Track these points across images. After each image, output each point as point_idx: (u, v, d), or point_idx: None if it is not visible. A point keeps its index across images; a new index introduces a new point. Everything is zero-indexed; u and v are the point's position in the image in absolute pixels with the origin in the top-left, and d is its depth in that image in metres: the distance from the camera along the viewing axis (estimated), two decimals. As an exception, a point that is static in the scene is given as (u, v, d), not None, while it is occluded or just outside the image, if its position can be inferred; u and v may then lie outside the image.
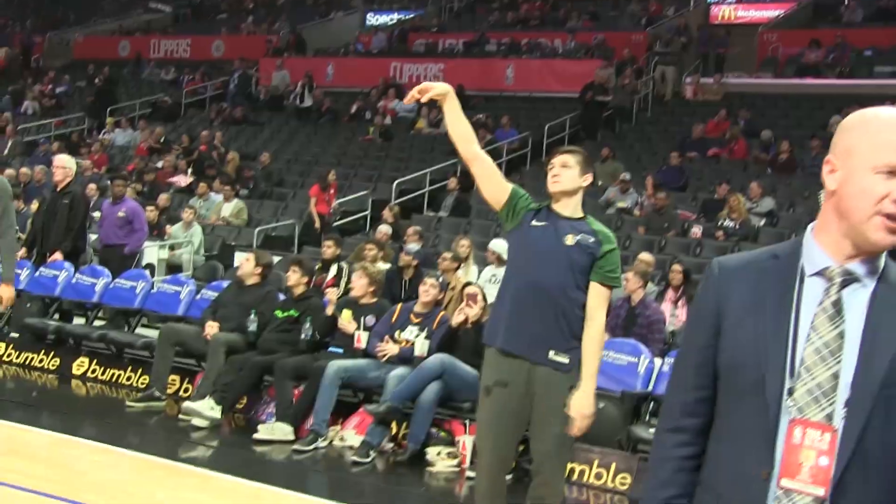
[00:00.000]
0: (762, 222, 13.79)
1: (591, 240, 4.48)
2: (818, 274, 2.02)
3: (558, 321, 4.41)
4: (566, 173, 4.53)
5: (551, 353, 4.39)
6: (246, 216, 15.55)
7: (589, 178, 4.60)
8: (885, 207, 1.94)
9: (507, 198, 4.59)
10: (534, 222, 4.54)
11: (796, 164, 16.07)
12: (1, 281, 6.21)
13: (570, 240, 4.45)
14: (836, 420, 1.94)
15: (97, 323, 10.30)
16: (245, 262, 8.82)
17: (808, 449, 1.94)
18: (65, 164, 10.00)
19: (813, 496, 1.93)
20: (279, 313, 8.49)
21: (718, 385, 2.10)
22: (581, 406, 4.40)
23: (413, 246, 10.53)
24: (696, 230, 13.61)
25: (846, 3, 23.93)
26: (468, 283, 8.16)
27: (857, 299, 1.99)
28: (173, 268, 13.25)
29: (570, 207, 4.56)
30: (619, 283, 4.68)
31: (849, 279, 2.00)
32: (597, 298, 4.49)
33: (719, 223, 13.47)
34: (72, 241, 10.08)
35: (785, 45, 22.16)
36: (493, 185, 4.64)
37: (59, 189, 10.01)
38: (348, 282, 10.19)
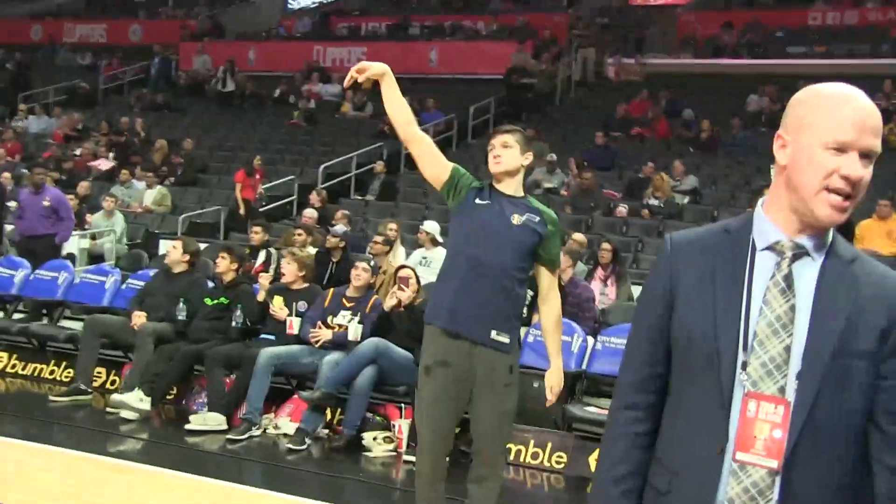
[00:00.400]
0: (686, 200, 13.97)
1: (537, 219, 4.49)
2: (769, 248, 2.03)
3: (502, 301, 4.43)
4: (507, 153, 4.53)
5: (493, 333, 4.40)
6: (170, 203, 15.29)
7: (530, 157, 4.60)
8: (833, 183, 1.95)
9: (447, 176, 4.58)
10: (478, 201, 4.53)
11: (718, 143, 16.30)
12: None
13: (516, 219, 4.45)
14: (788, 393, 1.95)
15: (17, 316, 10.02)
16: (172, 250, 8.65)
17: (762, 422, 1.95)
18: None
19: (767, 468, 1.94)
20: (209, 301, 8.36)
21: (672, 361, 2.09)
22: (554, 382, 4.59)
23: (340, 227, 10.42)
24: (622, 209, 13.73)
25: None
26: (402, 267, 8.10)
27: (807, 273, 2.00)
28: (95, 257, 12.97)
29: (512, 187, 4.56)
30: (558, 266, 4.73)
31: (799, 253, 2.01)
32: (548, 279, 4.57)
33: (645, 202, 13.61)
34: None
35: (702, 26, 22.46)
36: (434, 164, 4.62)
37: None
38: (278, 267, 10.09)
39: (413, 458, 6.92)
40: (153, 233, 14.08)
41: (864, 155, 1.95)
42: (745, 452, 1.96)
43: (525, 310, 8.92)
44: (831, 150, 1.95)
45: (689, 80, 20.19)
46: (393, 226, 10.97)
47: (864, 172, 1.95)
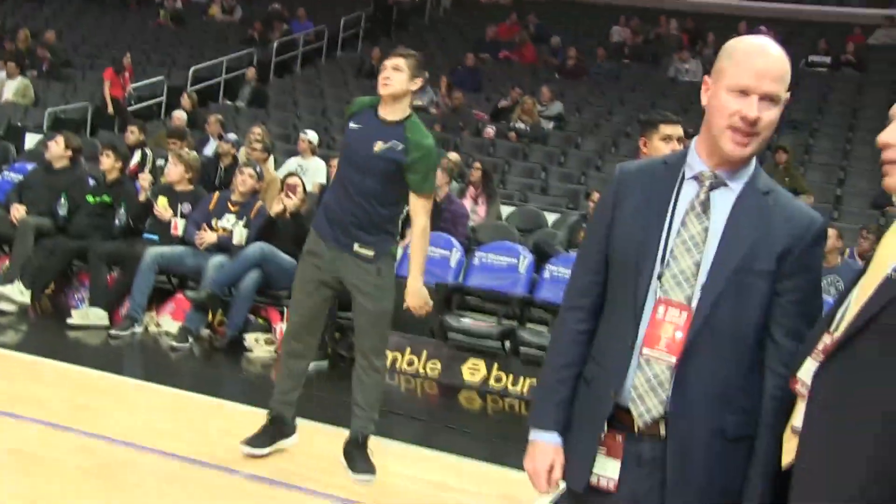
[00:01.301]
0: (551, 125, 14.43)
1: (400, 147, 4.71)
2: (694, 178, 2.41)
3: (362, 219, 4.76)
4: (396, 76, 4.73)
5: (356, 246, 4.78)
6: (32, 95, 14.93)
7: (419, 83, 4.81)
8: (734, 122, 2.31)
9: None
10: (352, 124, 4.85)
11: (584, 71, 16.78)
12: None
13: (378, 146, 4.71)
14: (693, 302, 2.33)
15: None
16: (54, 145, 8.61)
17: (667, 324, 2.34)
18: None
19: (667, 363, 2.32)
20: (91, 198, 8.39)
21: (608, 272, 2.47)
22: (412, 298, 4.92)
23: (232, 136, 10.50)
24: (490, 130, 14.10)
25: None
26: (290, 175, 8.31)
27: (723, 200, 2.38)
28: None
29: (395, 111, 4.77)
30: (431, 189, 4.93)
31: (716, 183, 2.38)
32: (413, 204, 4.85)
33: (511, 125, 14.01)
34: None
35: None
36: None
37: None
38: (154, 168, 10.13)
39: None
40: (15, 126, 13.76)
41: (767, 98, 2.31)
42: (650, 349, 2.34)
43: (400, 225, 9.29)
44: (734, 93, 2.30)
45: (556, 6, 20.57)
46: (258, 130, 10.98)
47: (763, 114, 2.30)
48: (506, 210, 10.72)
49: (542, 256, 8.36)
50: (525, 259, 8.03)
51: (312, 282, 4.89)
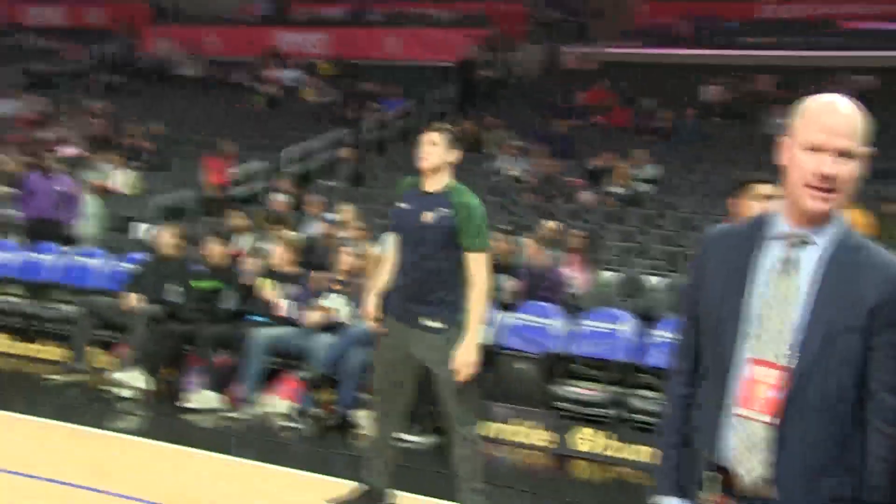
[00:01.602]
0: (647, 188, 14.41)
1: (447, 212, 4.92)
2: (778, 237, 2.44)
3: (423, 292, 4.94)
4: (433, 150, 5.00)
5: (422, 319, 4.95)
6: (139, 186, 15.44)
7: (456, 154, 5.04)
8: (811, 180, 2.35)
9: None
10: (400, 204, 5.11)
11: (676, 132, 16.76)
12: None
13: (427, 217, 4.93)
14: (784, 360, 2.35)
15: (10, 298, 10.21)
16: (162, 234, 8.92)
17: (760, 384, 2.36)
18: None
19: (762, 423, 2.35)
20: (199, 284, 8.64)
21: (701, 334, 2.52)
22: (461, 356, 4.91)
23: (332, 215, 10.77)
24: (585, 196, 14.13)
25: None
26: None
27: (809, 258, 2.40)
28: (70, 240, 13.09)
29: (437, 182, 5.01)
30: (483, 245, 5.06)
31: (800, 241, 2.41)
32: (472, 264, 4.97)
33: (606, 189, 14.03)
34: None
35: (657, 15, 22.92)
36: None
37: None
38: (257, 252, 10.37)
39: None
40: (127, 216, 14.24)
41: (841, 154, 2.34)
42: (744, 408, 2.37)
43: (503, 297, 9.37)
44: (808, 151, 2.36)
45: (645, 69, 20.65)
46: (350, 210, 11.15)
47: (839, 170, 2.34)
48: (605, 276, 10.70)
49: (645, 321, 8.34)
50: (628, 324, 8.01)
51: (388, 360, 5.08)
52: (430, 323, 4.92)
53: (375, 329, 5.18)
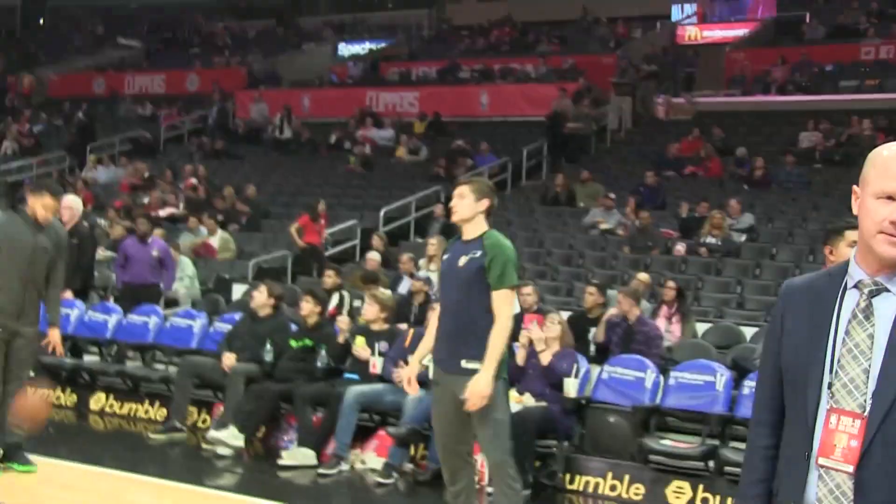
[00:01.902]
0: (743, 238, 14.22)
1: (478, 254, 5.13)
2: (855, 286, 2.43)
3: (464, 335, 5.12)
4: (462, 203, 5.24)
5: (463, 363, 5.11)
6: (234, 248, 15.78)
7: (485, 203, 5.24)
8: (884, 227, 2.34)
9: None
10: (444, 256, 5.37)
11: (771, 180, 16.55)
12: (49, 325, 6.61)
13: (462, 261, 5.16)
14: (864, 409, 2.32)
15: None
16: (258, 294, 9.09)
17: (841, 433, 2.34)
18: (71, 205, 10.21)
19: (846, 473, 2.31)
20: (294, 342, 8.77)
21: (783, 385, 2.51)
22: (474, 386, 5.03)
23: (424, 273, 10.87)
24: (680, 247, 14.01)
25: (807, 21, 24.60)
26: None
27: (887, 306, 2.37)
28: (169, 302, 13.45)
29: (472, 231, 5.24)
30: (507, 283, 5.18)
31: (877, 289, 2.39)
32: (495, 301, 5.13)
33: (701, 240, 13.88)
34: (81, 280, 10.32)
35: (752, 63, 22.74)
36: None
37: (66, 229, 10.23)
38: (351, 309, 10.52)
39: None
40: (223, 278, 14.56)
41: None
42: (825, 458, 2.34)
43: (594, 350, 9.33)
44: (881, 199, 2.35)
45: (739, 117, 20.49)
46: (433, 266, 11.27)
47: None
48: (701, 327, 10.56)
49: (741, 373, 8.19)
50: (723, 376, 7.88)
51: (441, 409, 5.26)
52: (468, 365, 5.07)
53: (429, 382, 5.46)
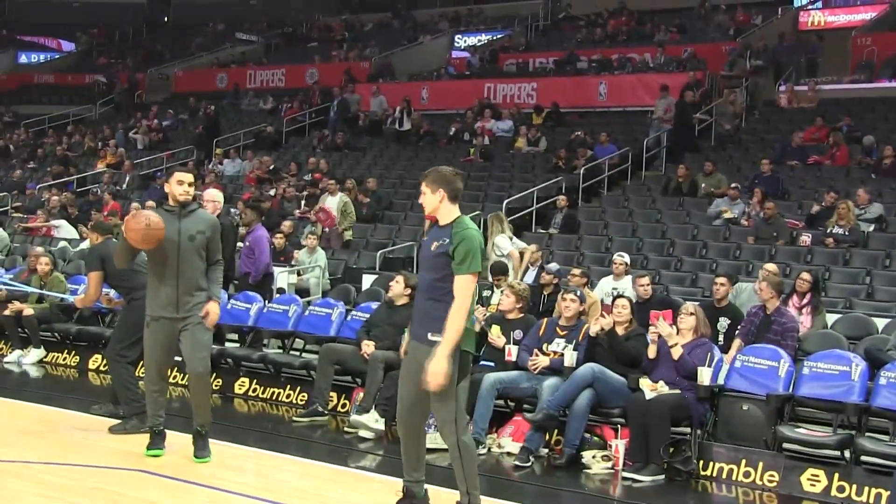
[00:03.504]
0: (871, 228, 14.02)
1: (446, 241, 5.45)
2: None
3: (432, 311, 5.49)
4: (423, 199, 5.60)
5: (429, 335, 5.47)
6: (353, 212, 16.45)
7: (441, 193, 5.51)
8: None
9: None
10: (423, 238, 5.76)
11: (900, 167, 16.22)
12: (208, 299, 6.98)
13: (433, 246, 5.51)
14: None
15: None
16: (395, 284, 9.38)
17: None
18: (214, 198, 10.52)
19: None
20: (430, 330, 9.03)
21: None
22: (433, 367, 5.36)
23: (553, 265, 11.09)
24: (806, 238, 13.89)
25: (938, 2, 23.94)
26: (620, 297, 8.74)
27: None
28: (300, 292, 13.88)
29: (444, 218, 5.56)
30: (469, 270, 5.42)
31: None
32: (456, 284, 5.44)
33: (828, 230, 13.73)
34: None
35: (880, 47, 22.22)
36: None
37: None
38: (481, 299, 10.76)
39: (629, 475, 7.55)
40: (351, 267, 14.97)
41: None
42: None
43: (722, 339, 9.39)
44: None
45: (865, 104, 20.09)
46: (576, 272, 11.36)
47: None
48: (831, 318, 10.52)
49: (874, 363, 8.20)
50: (858, 367, 7.90)
51: (405, 373, 5.72)
52: (434, 338, 5.42)
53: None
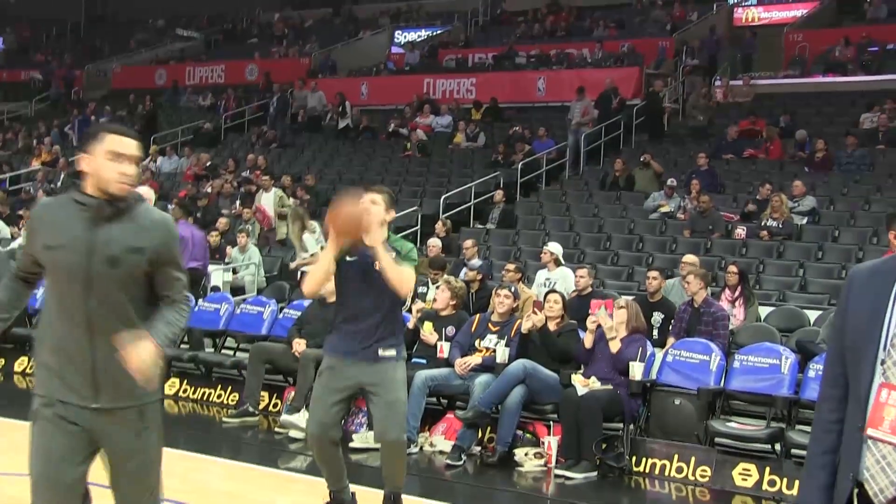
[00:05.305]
0: (804, 221, 14.14)
1: (393, 255, 5.31)
2: None
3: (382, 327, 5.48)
4: (374, 208, 5.34)
5: (380, 351, 5.46)
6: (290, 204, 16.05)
7: (392, 214, 5.49)
8: None
9: None
10: (347, 258, 5.38)
11: (833, 162, 16.40)
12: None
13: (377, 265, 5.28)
14: None
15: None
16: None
17: (890, 407, 2.50)
18: (145, 196, 10.44)
19: (891, 444, 2.48)
20: (362, 328, 8.93)
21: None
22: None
23: (476, 261, 11.01)
24: (741, 231, 13.97)
25: (869, 0, 24.26)
26: (550, 292, 8.69)
27: None
28: (235, 290, 13.69)
29: (373, 238, 5.21)
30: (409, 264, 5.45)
31: None
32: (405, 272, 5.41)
33: (763, 223, 13.83)
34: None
35: (811, 43, 22.50)
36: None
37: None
38: (415, 295, 10.66)
39: (562, 472, 7.50)
40: (288, 264, 14.77)
41: None
42: (874, 430, 2.50)
43: (656, 334, 9.40)
44: None
45: (798, 99, 20.29)
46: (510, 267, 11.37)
47: None
48: (764, 310, 10.58)
49: (806, 355, 8.23)
50: (788, 359, 7.94)
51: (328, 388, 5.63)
52: (386, 353, 5.44)
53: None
